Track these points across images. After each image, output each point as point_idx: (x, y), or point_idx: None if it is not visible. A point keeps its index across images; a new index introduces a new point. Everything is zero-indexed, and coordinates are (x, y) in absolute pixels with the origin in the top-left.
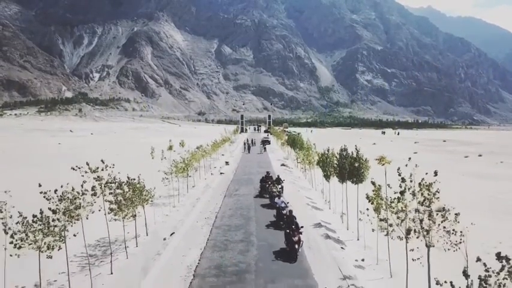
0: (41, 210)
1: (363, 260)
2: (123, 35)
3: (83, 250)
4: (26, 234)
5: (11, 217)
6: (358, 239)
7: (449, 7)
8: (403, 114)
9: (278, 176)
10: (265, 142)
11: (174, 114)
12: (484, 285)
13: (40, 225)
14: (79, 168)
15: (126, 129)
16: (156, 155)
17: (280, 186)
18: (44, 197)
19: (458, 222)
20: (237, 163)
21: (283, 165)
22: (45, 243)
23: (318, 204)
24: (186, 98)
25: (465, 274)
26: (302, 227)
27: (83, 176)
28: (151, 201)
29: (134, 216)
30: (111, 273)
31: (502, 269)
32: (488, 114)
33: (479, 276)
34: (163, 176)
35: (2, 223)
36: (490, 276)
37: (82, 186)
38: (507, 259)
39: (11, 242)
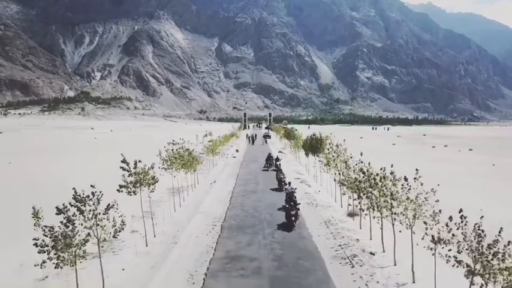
0: (169, 157)
1: (319, 191)
2: (124, 34)
3: (166, 191)
4: (170, 164)
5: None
6: (321, 185)
7: (450, 3)
8: (403, 111)
9: (277, 156)
10: (266, 136)
11: (176, 113)
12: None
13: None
14: (171, 142)
15: (138, 126)
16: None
17: (278, 162)
18: (159, 155)
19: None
20: (244, 151)
21: (280, 152)
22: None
23: (300, 172)
24: (187, 96)
25: (339, 182)
26: (299, 203)
27: (172, 147)
28: (202, 163)
29: (194, 170)
30: (184, 201)
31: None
32: (488, 110)
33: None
34: (199, 156)
35: (162, 158)
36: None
37: (173, 150)
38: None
39: (164, 168)
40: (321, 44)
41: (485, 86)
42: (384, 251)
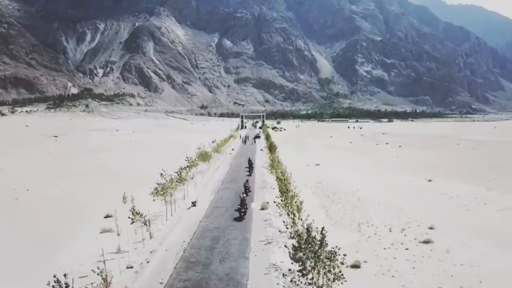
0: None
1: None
2: (125, 30)
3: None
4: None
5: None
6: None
7: None
8: (402, 104)
9: (252, 161)
10: (256, 137)
11: (177, 108)
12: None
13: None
14: (198, 148)
15: (153, 126)
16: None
17: (252, 165)
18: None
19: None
20: (238, 149)
21: (261, 150)
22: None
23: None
24: (188, 92)
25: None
26: (246, 205)
27: (198, 151)
28: (212, 158)
29: (209, 162)
30: (204, 175)
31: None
32: (487, 102)
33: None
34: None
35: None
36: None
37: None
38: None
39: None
40: (321, 38)
41: (485, 78)
42: None
